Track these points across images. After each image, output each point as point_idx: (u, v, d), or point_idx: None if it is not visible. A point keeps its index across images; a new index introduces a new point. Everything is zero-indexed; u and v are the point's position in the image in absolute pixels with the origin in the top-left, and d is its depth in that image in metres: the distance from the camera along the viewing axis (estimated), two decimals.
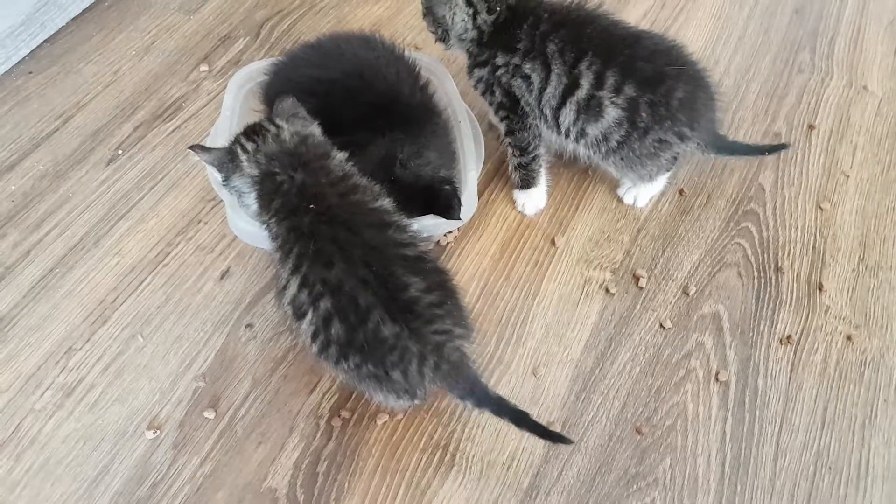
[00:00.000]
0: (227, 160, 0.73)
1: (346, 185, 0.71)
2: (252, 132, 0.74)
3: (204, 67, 1.06)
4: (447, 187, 0.81)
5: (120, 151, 0.96)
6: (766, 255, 0.92)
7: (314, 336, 0.68)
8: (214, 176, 0.79)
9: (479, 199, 0.94)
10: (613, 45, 0.84)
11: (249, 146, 0.73)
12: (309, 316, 0.67)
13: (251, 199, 0.74)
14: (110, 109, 1.00)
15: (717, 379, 0.81)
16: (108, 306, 0.84)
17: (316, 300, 0.66)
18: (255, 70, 0.92)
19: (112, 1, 1.14)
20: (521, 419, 0.69)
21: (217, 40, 1.10)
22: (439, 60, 0.98)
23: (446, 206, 0.80)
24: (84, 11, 1.11)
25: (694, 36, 1.18)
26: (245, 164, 0.72)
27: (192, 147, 0.76)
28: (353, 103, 0.83)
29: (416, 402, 0.75)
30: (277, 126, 0.74)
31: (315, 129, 0.76)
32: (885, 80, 1.14)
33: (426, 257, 0.70)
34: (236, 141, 0.74)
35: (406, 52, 0.91)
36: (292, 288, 0.68)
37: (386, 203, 0.72)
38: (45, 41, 1.08)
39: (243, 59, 1.07)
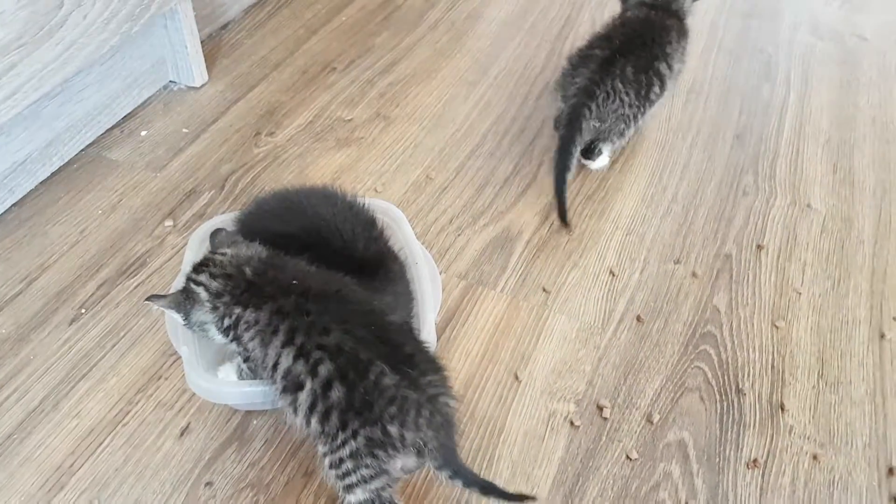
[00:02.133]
0: (183, 298, 0.79)
1: (318, 273, 0.78)
2: (200, 265, 0.80)
3: (169, 222, 1.11)
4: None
5: (83, 310, 0.98)
6: (726, 378, 0.94)
7: (311, 408, 0.70)
8: (172, 325, 0.83)
9: (439, 337, 0.96)
10: None
11: (202, 277, 0.78)
12: (308, 385, 0.70)
13: (214, 331, 0.78)
14: (75, 269, 1.04)
15: None
16: (66, 471, 0.83)
17: (315, 366, 0.70)
18: (216, 225, 0.96)
19: (81, 163, 1.20)
20: (490, 489, 0.72)
21: (183, 195, 1.15)
22: (396, 206, 1.03)
23: None
24: (52, 174, 1.17)
25: (641, 165, 1.26)
26: (202, 294, 0.77)
27: (148, 298, 0.81)
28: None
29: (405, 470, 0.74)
30: (223, 253, 0.80)
31: (260, 249, 0.82)
32: (826, 197, 1.22)
33: (411, 327, 0.76)
34: (188, 279, 0.80)
35: (364, 202, 0.96)
36: (285, 362, 0.71)
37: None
38: (13, 205, 1.12)
39: (208, 213, 1.12)
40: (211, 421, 0.87)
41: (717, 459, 0.86)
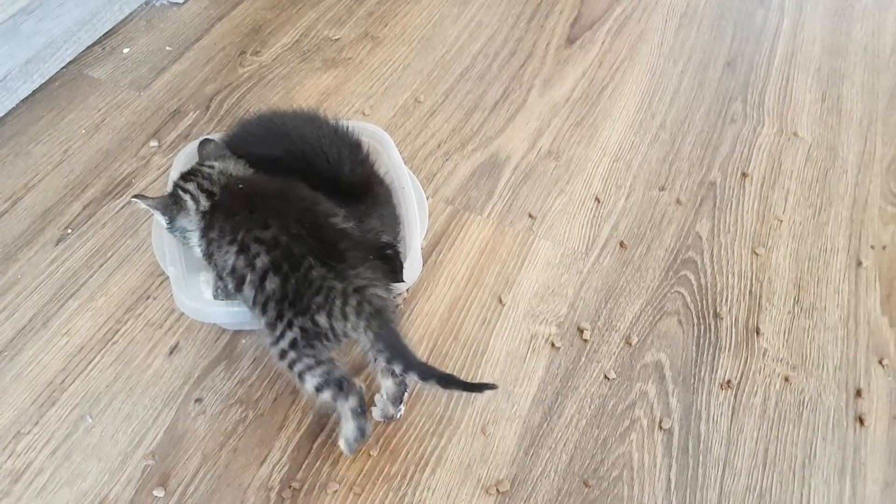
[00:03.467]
0: (171, 202, 0.81)
1: (277, 180, 0.82)
2: (189, 174, 0.82)
3: (154, 143, 1.09)
4: (389, 251, 0.84)
5: (69, 231, 0.98)
6: (704, 302, 0.96)
7: (254, 300, 0.73)
8: (160, 245, 0.84)
9: (425, 261, 0.97)
10: None
11: (190, 186, 0.81)
12: (248, 277, 0.73)
13: (195, 238, 0.81)
14: (60, 189, 1.02)
15: (660, 427, 0.84)
16: (57, 388, 0.84)
17: (253, 259, 0.73)
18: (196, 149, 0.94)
19: (62, 80, 1.17)
20: (449, 380, 0.73)
21: (167, 115, 1.13)
22: (384, 129, 1.01)
23: (389, 269, 0.83)
24: (34, 92, 1.14)
25: (631, 92, 1.24)
26: (189, 202, 0.80)
27: (135, 196, 0.83)
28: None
29: (350, 400, 0.76)
30: (210, 166, 0.83)
31: (243, 166, 0.85)
32: (813, 126, 1.21)
33: (355, 232, 0.77)
34: (176, 185, 0.82)
35: (350, 126, 0.95)
36: (231, 258, 0.75)
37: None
38: None
39: (193, 133, 1.10)
40: (200, 340, 0.88)
41: (692, 380, 0.88)
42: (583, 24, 1.36)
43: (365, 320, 0.71)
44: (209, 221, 0.79)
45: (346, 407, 0.75)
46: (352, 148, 0.93)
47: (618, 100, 1.22)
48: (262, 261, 0.72)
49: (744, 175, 1.12)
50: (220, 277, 0.78)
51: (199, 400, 0.83)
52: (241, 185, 0.81)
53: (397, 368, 0.72)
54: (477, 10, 1.37)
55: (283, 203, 0.77)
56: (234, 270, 0.74)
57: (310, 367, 0.73)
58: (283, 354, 0.74)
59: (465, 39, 1.31)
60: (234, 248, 0.75)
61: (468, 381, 0.75)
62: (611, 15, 1.39)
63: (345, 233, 0.76)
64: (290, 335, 0.72)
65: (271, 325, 0.73)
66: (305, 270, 0.71)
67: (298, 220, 0.74)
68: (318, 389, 0.74)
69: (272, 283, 0.72)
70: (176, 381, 0.85)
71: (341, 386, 0.74)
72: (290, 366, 0.74)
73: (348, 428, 0.76)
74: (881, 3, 1.47)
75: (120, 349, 0.87)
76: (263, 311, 0.73)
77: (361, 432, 0.76)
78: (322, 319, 0.71)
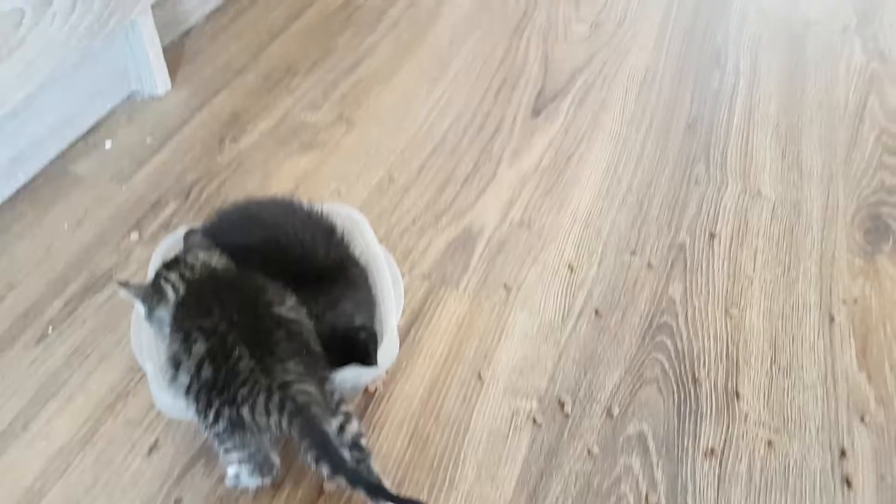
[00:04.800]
0: (152, 292, 0.77)
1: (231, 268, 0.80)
2: (173, 263, 0.79)
3: (134, 235, 1.05)
4: (362, 334, 0.80)
5: (50, 329, 0.93)
6: (682, 367, 0.92)
7: (188, 388, 0.70)
8: (137, 341, 0.81)
9: (403, 340, 0.93)
10: None
11: (172, 275, 0.77)
12: (184, 363, 0.70)
13: (168, 330, 0.76)
14: (42, 287, 0.98)
15: (647, 502, 0.79)
16: (36, 493, 0.79)
17: (190, 346, 0.70)
18: (178, 240, 0.91)
19: (46, 178, 1.14)
20: (377, 491, 0.68)
21: (148, 207, 1.10)
22: (358, 209, 0.98)
23: (363, 353, 0.79)
24: (17, 191, 1.11)
25: (596, 159, 1.22)
26: (169, 292, 0.76)
27: (119, 283, 0.80)
28: (269, 270, 0.83)
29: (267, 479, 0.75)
30: (194, 256, 0.80)
31: (224, 259, 0.81)
32: (776, 183, 1.19)
33: (301, 322, 0.74)
34: (158, 274, 0.78)
35: (324, 209, 0.92)
36: (174, 345, 0.72)
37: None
38: None
39: (173, 223, 1.07)
40: (179, 436, 0.83)
41: (676, 450, 0.83)
42: (547, 96, 1.35)
43: (287, 418, 0.66)
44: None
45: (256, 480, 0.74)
46: (326, 231, 0.90)
47: (585, 167, 1.20)
48: (198, 348, 0.69)
49: (712, 235, 1.09)
50: (167, 366, 0.74)
51: (178, 500, 0.78)
52: (199, 276, 0.78)
53: (324, 470, 0.67)
54: (446, 87, 1.36)
55: (230, 292, 0.74)
56: (173, 357, 0.71)
57: (237, 448, 0.72)
58: (213, 439, 0.72)
59: (436, 116, 1.30)
60: (179, 336, 0.72)
61: (399, 495, 0.69)
62: (573, 86, 1.38)
63: (283, 323, 0.72)
64: (218, 426, 0.69)
65: (202, 413, 0.70)
66: (235, 361, 0.68)
67: (240, 309, 0.71)
68: (235, 463, 0.73)
69: (207, 372, 0.68)
70: (155, 481, 0.79)
71: (261, 468, 0.73)
72: (221, 448, 0.73)
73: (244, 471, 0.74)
74: (831, 58, 1.47)
75: (99, 450, 0.82)
76: (196, 398, 0.70)
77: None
78: (246, 412, 0.67)
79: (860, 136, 1.29)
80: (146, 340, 0.81)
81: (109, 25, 1.11)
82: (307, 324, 0.75)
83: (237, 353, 0.68)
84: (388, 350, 0.81)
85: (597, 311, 0.98)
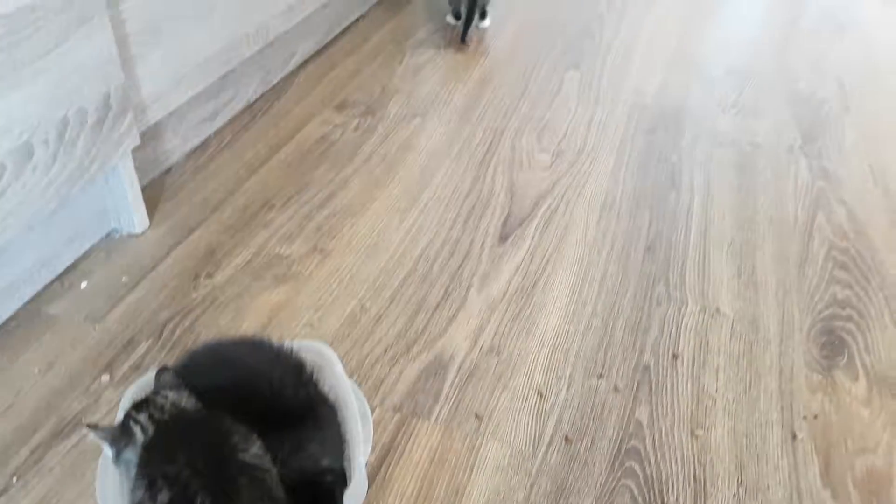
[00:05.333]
0: (120, 434, 0.77)
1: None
2: (142, 404, 0.79)
3: (105, 377, 1.06)
4: (328, 478, 0.81)
5: (15, 479, 0.92)
6: (651, 493, 0.92)
7: None
8: (102, 494, 0.79)
9: (374, 477, 0.93)
10: None
11: (141, 417, 0.77)
12: None
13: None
14: (9, 434, 0.98)
15: None
16: None
17: (155, 495, 0.68)
18: (148, 382, 0.92)
19: (20, 320, 1.16)
20: None
21: (120, 347, 1.12)
22: (331, 341, 1.01)
23: (328, 498, 0.79)
24: None
25: (562, 282, 1.26)
26: (138, 433, 0.76)
27: (88, 425, 0.81)
28: (238, 411, 0.84)
29: None
30: (164, 396, 0.80)
31: (193, 400, 0.81)
32: (733, 301, 1.23)
33: (264, 467, 0.73)
34: (128, 415, 0.78)
35: (294, 346, 0.94)
36: (139, 493, 0.70)
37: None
38: None
39: (144, 363, 1.08)
40: None
41: None
42: (513, 223, 1.42)
43: None
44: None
45: None
46: (295, 370, 0.92)
47: (550, 291, 1.25)
48: (163, 497, 0.69)
49: (674, 356, 1.12)
50: None
51: None
52: (169, 416, 0.78)
53: None
54: (417, 216, 1.42)
55: (196, 436, 0.75)
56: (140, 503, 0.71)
57: None
58: None
59: (407, 244, 1.35)
60: (144, 483, 0.71)
61: None
62: (538, 212, 1.45)
63: (247, 469, 0.73)
64: None
65: None
66: None
67: (205, 454, 0.72)
68: None
69: None
70: None
71: None
72: None
73: None
74: (779, 176, 1.56)
75: None
76: None
77: None
78: None
79: (811, 252, 1.35)
80: (111, 488, 0.80)
81: (90, 172, 1.17)
82: (271, 469, 0.75)
83: (199, 501, 0.69)
84: (355, 493, 0.81)
85: (566, 438, 0.99)
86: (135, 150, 1.29)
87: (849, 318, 1.21)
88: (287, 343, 0.94)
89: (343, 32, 2.17)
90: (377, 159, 1.60)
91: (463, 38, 2.12)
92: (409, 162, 1.60)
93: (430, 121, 1.75)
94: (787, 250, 1.35)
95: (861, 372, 1.11)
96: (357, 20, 2.26)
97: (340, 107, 1.80)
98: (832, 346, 1.15)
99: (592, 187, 1.52)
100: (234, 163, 1.57)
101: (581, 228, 1.40)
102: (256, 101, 1.80)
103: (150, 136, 1.43)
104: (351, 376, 1.05)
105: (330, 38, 2.11)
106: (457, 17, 2.24)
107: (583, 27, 2.25)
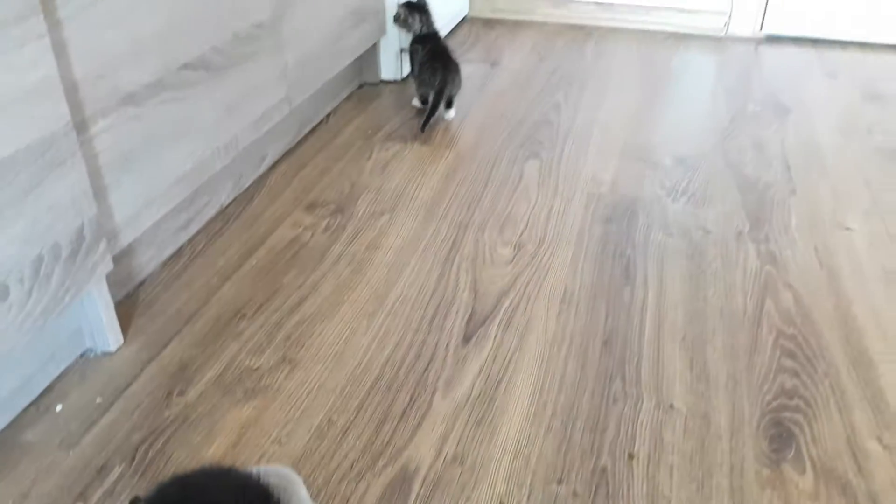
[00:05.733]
0: None
1: None
2: None
3: None
4: None
5: None
6: None
7: None
8: None
9: None
10: None
11: None
12: None
13: None
14: None
15: None
16: None
17: None
18: None
19: None
20: None
21: (94, 473, 1.15)
22: (299, 458, 1.04)
23: None
24: None
25: (523, 383, 1.32)
26: None
27: None
28: None
29: None
30: None
31: None
32: (686, 395, 1.29)
33: None
34: None
35: (260, 471, 0.98)
36: None
37: None
38: None
39: (117, 490, 1.11)
40: None
41: None
42: (476, 321, 1.48)
43: None
44: None
45: None
46: (260, 497, 0.95)
47: (512, 393, 1.30)
48: None
49: (630, 456, 1.17)
50: None
51: None
52: None
53: None
54: (384, 319, 1.48)
55: None
56: None
57: None
58: None
59: (374, 350, 1.40)
60: None
61: None
62: (500, 308, 1.51)
63: None
64: None
65: None
66: None
67: None
68: None
69: None
70: None
71: None
72: None
73: None
74: (728, 263, 1.64)
75: None
76: None
77: None
78: None
79: (759, 341, 1.42)
80: None
81: (65, 302, 1.22)
82: None
83: None
84: None
85: None
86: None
87: (796, 409, 1.27)
88: (254, 470, 0.98)
89: (314, 129, 2.27)
90: (346, 261, 1.67)
91: (423, 127, 2.23)
92: (377, 262, 1.66)
93: (398, 217, 1.83)
94: (737, 341, 1.42)
95: (808, 465, 1.16)
96: (327, 116, 2.37)
97: (311, 207, 1.87)
98: (780, 438, 1.21)
99: (552, 281, 1.59)
100: (206, 270, 1.63)
101: (541, 324, 1.46)
102: (229, 205, 1.87)
103: (125, 252, 1.49)
104: (318, 495, 1.09)
105: (300, 136, 2.20)
106: (423, 101, 2.36)
107: (542, 116, 2.37)
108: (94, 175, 1.26)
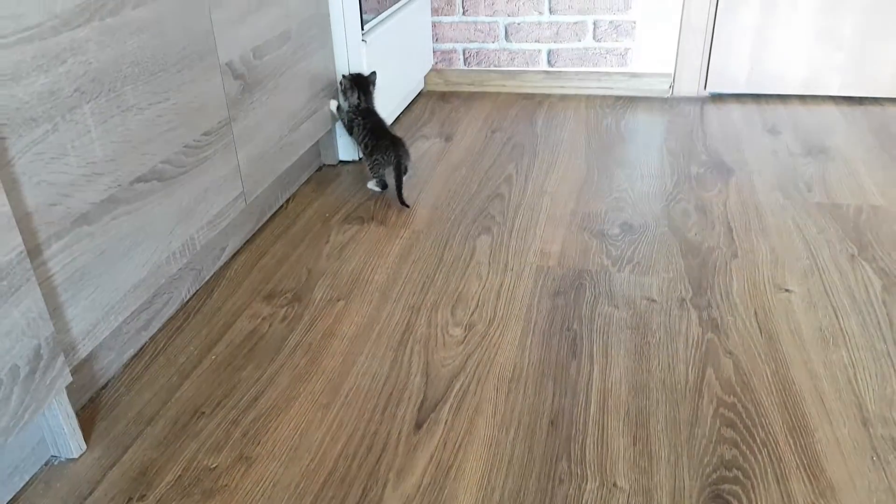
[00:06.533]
0: None
1: None
2: None
3: None
4: None
5: None
6: None
7: None
8: None
9: None
10: None
11: None
12: None
13: None
14: None
15: None
16: None
17: None
18: None
19: None
20: None
21: None
22: None
23: None
24: None
25: (472, 469, 1.38)
26: None
27: None
28: None
29: None
30: None
31: None
32: (629, 472, 1.36)
33: None
34: None
35: None
36: None
37: None
38: None
39: None
40: None
41: None
42: (428, 406, 1.54)
43: None
44: None
45: None
46: None
47: (462, 479, 1.36)
48: None
49: None
50: None
51: None
52: None
53: None
54: (338, 410, 1.55)
55: None
56: None
57: None
58: None
59: (328, 443, 1.46)
60: None
61: None
62: (451, 392, 1.58)
63: None
64: None
65: None
66: None
67: None
68: None
69: None
70: None
71: None
72: None
73: None
74: (671, 333, 1.73)
75: None
76: None
77: None
78: None
79: (700, 412, 1.49)
80: None
81: (25, 419, 1.28)
82: None
83: None
84: None
85: None
86: (72, 373, 1.41)
87: (735, 480, 1.34)
88: None
89: (273, 216, 2.37)
90: (302, 350, 1.74)
91: (403, 202, 2.40)
92: (333, 350, 1.73)
93: (353, 303, 1.91)
94: (679, 414, 1.49)
95: None
96: (287, 201, 2.46)
97: (269, 296, 1.95)
98: None
99: (501, 360, 1.67)
100: (167, 369, 1.69)
101: (491, 406, 1.53)
102: (190, 300, 1.94)
103: (86, 359, 1.55)
104: None
105: (260, 225, 2.29)
106: (382, 186, 2.46)
107: (493, 189, 2.48)
108: (50, 295, 1.34)
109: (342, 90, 2.53)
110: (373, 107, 2.52)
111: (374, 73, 2.54)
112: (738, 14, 3.07)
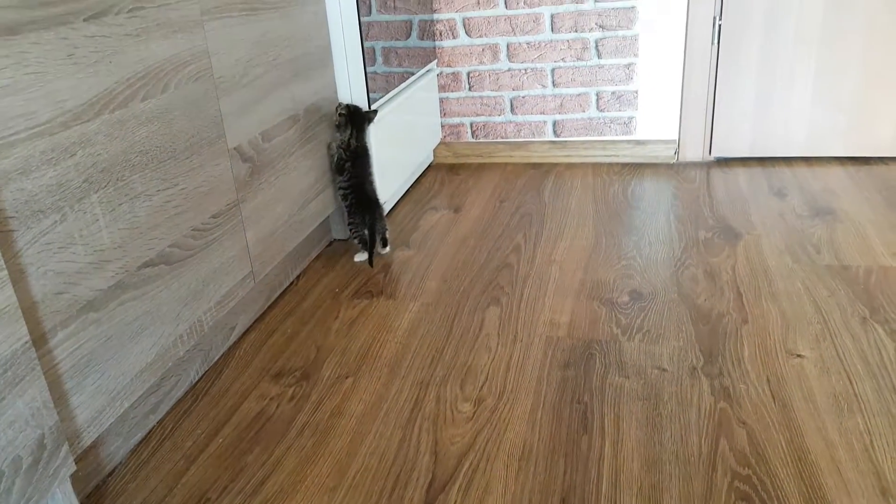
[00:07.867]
0: None
1: None
2: None
3: None
4: None
5: None
6: None
7: None
8: None
9: None
10: None
11: None
12: None
13: None
14: None
15: None
16: None
17: None
18: None
19: None
20: None
21: None
22: None
23: None
24: None
25: None
26: None
27: None
28: None
29: None
30: None
31: None
32: None
33: None
34: None
35: None
36: None
37: None
38: None
39: None
40: None
41: None
42: (437, 487, 1.51)
43: None
44: None
45: None
46: None
47: None
48: None
49: None
50: None
51: None
52: None
53: None
54: (345, 493, 1.51)
55: None
56: None
57: None
58: None
59: None
60: None
61: None
62: (460, 471, 1.54)
63: None
64: None
65: None
66: None
67: None
68: None
69: None
70: None
71: None
72: None
73: None
74: (683, 403, 1.69)
75: None
76: None
77: None
78: None
79: (714, 486, 1.44)
80: None
81: None
82: None
83: None
84: None
85: None
86: (77, 461, 1.40)
87: None
88: None
89: (283, 293, 2.38)
90: (309, 431, 1.71)
91: (371, 262, 2.50)
92: (340, 429, 1.71)
93: (362, 380, 1.89)
94: (693, 488, 1.45)
95: None
96: (297, 278, 2.48)
97: (278, 376, 1.94)
98: None
99: (511, 436, 1.64)
100: (174, 454, 1.68)
101: (501, 485, 1.49)
102: (199, 381, 1.94)
103: (91, 446, 1.54)
104: None
105: (270, 303, 2.31)
106: (364, 243, 2.52)
107: (502, 260, 2.49)
108: (55, 383, 1.34)
109: (335, 122, 2.38)
110: (365, 144, 2.41)
111: (374, 112, 2.45)
112: (738, 80, 3.12)
